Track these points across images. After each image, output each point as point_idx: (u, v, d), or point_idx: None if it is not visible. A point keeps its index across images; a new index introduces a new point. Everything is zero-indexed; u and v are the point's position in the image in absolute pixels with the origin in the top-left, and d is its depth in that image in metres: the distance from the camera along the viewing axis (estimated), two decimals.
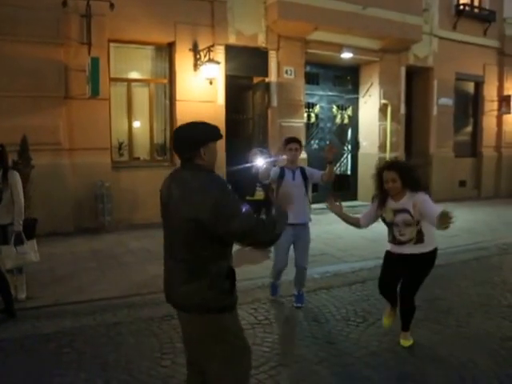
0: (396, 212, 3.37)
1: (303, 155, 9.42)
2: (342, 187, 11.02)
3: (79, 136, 7.39)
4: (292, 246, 4.30)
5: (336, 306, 4.38)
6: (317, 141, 10.67)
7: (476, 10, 12.12)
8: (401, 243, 3.44)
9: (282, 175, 4.27)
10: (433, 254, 3.45)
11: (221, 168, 8.39)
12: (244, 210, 2.00)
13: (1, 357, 3.33)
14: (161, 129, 8.63)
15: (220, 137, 2.16)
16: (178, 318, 2.25)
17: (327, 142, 10.79)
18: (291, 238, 4.17)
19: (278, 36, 8.99)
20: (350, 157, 11.24)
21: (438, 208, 3.02)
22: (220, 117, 8.45)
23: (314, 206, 9.30)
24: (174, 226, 2.07)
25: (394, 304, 3.67)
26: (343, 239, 7.15)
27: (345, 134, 11.26)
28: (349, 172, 11.27)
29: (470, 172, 12.66)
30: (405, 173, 3.36)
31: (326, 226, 7.73)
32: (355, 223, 3.70)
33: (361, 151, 11.08)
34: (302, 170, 4.34)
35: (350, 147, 11.26)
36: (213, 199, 1.92)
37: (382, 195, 3.44)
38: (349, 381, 3.03)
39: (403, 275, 3.47)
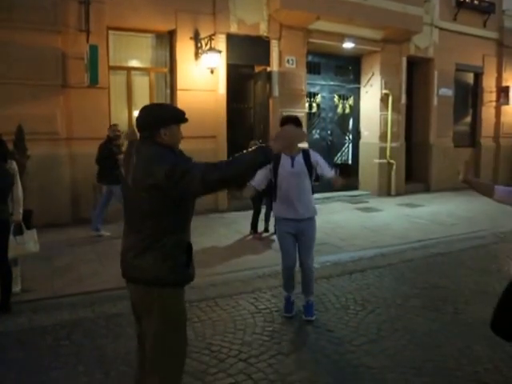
0: None
1: (304, 145, 9.48)
2: (343, 177, 11.06)
3: (77, 125, 7.31)
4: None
5: (336, 294, 4.46)
6: (318, 130, 10.70)
7: (476, 2, 12.09)
8: None
9: (277, 161, 3.65)
10: None
11: (222, 157, 8.44)
12: (194, 164, 1.97)
13: None
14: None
15: (184, 120, 2.18)
16: (126, 289, 2.20)
17: (329, 132, 10.83)
18: (293, 231, 3.71)
19: (279, 25, 8.96)
20: (351, 146, 11.28)
21: None
22: (221, 106, 8.47)
23: (315, 195, 9.34)
24: (133, 197, 2.08)
25: None
26: (344, 229, 7.22)
27: (346, 124, 11.29)
28: (350, 161, 11.32)
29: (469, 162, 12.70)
30: None
31: (326, 216, 7.79)
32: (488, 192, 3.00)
33: (362, 141, 11.12)
34: (306, 155, 3.68)
35: (351, 137, 11.30)
36: (169, 162, 1.94)
37: None
38: (348, 368, 3.09)
39: None
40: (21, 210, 4.14)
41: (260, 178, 3.64)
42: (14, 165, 4.12)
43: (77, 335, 3.54)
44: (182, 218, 2.09)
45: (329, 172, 3.77)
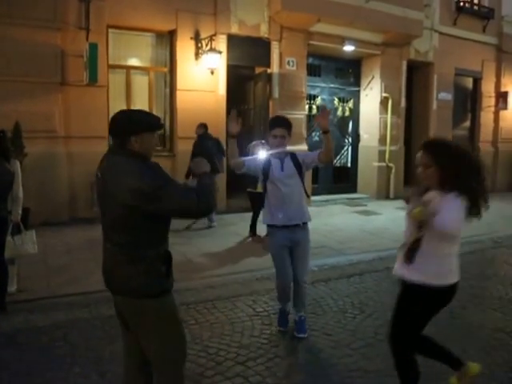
0: None
1: (304, 147, 9.49)
2: (342, 179, 11.12)
3: (75, 124, 7.28)
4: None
5: (333, 298, 4.47)
6: (318, 133, 10.69)
7: (475, 7, 12.17)
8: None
9: (267, 166, 3.46)
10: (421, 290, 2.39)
11: None
12: (177, 186, 2.00)
13: None
14: (160, 118, 8.62)
15: (158, 128, 2.13)
16: (114, 303, 2.22)
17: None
18: (288, 242, 3.46)
19: (280, 27, 8.98)
20: (350, 149, 11.31)
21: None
22: (221, 107, 8.47)
23: (314, 198, 9.45)
24: (110, 211, 2.04)
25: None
26: (342, 232, 7.23)
27: (346, 127, 11.32)
28: (349, 164, 11.35)
29: None
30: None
31: (325, 219, 7.81)
32: None
33: (361, 144, 11.14)
34: (293, 157, 3.50)
35: (350, 140, 11.31)
36: (142, 180, 1.90)
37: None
38: (345, 372, 3.09)
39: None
40: (20, 210, 4.10)
41: (250, 164, 3.48)
42: (17, 164, 4.10)
43: (73, 336, 3.52)
44: (160, 230, 2.07)
45: (314, 154, 3.48)
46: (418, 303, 2.47)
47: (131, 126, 2.03)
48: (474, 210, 2.38)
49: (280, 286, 3.57)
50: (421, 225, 2.31)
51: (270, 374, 3.04)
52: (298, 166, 3.46)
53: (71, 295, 4.28)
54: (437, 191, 2.36)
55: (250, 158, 3.57)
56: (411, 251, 2.40)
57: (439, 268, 2.41)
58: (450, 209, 2.25)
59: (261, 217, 6.95)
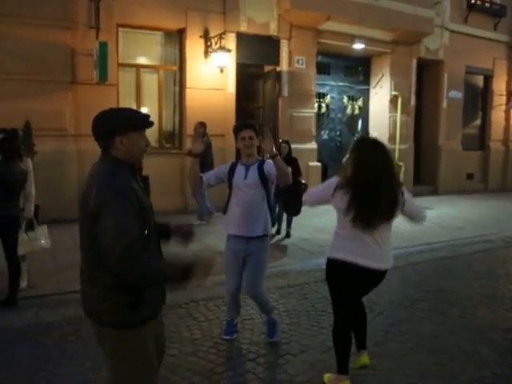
0: None
1: (313, 146, 9.49)
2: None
3: (85, 122, 7.15)
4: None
5: None
6: (327, 131, 10.71)
7: (487, 5, 12.07)
8: None
9: (231, 172, 3.24)
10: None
11: (230, 156, 8.44)
12: (121, 218, 1.65)
13: (3, 346, 3.31)
14: (170, 116, 8.65)
15: (146, 126, 1.84)
16: None
17: (337, 133, 10.81)
18: (242, 252, 3.25)
19: (290, 25, 8.97)
20: None
21: None
22: (230, 105, 8.49)
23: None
24: (79, 223, 1.84)
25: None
26: None
27: (355, 125, 11.27)
28: None
29: (477, 165, 12.68)
30: None
31: (334, 217, 7.77)
32: None
33: None
34: (260, 166, 3.19)
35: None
36: (96, 193, 1.67)
37: None
38: (356, 370, 3.08)
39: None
40: (32, 207, 4.19)
41: (212, 176, 3.30)
42: (29, 162, 4.18)
43: (83, 331, 3.52)
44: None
45: (275, 173, 3.14)
46: None
47: (115, 125, 1.76)
48: None
49: (228, 294, 3.43)
50: None
51: (281, 371, 3.05)
52: (263, 177, 3.16)
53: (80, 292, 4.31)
54: None
55: (210, 172, 3.36)
56: None
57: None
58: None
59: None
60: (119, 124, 1.77)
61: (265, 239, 3.29)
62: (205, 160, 6.81)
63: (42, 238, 4.27)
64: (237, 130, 3.24)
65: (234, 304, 3.43)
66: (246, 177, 3.18)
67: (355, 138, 2.87)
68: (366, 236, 2.66)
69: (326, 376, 2.90)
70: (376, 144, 2.70)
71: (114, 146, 1.76)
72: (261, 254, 3.26)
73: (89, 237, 1.75)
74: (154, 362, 1.90)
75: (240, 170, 3.22)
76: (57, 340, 3.43)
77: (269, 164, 3.16)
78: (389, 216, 2.68)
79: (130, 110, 1.93)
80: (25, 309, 3.92)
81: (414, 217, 2.88)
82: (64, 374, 2.97)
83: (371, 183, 2.56)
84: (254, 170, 3.18)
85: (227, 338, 3.45)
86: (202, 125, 7.29)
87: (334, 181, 2.74)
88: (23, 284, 4.29)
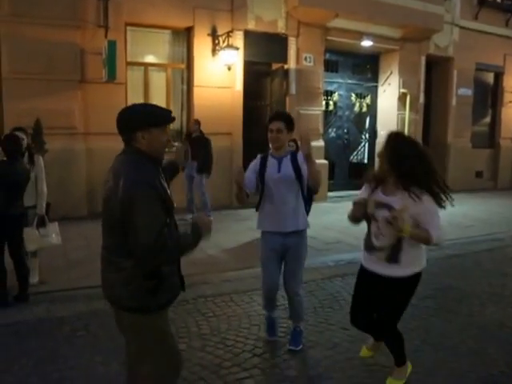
0: (379, 205, 2.58)
1: (320, 143, 9.47)
2: (359, 176, 11.04)
3: (94, 120, 7.38)
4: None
5: (350, 293, 4.37)
6: (334, 129, 10.68)
7: (498, 0, 11.93)
8: (372, 249, 2.68)
9: (263, 167, 3.11)
10: (412, 280, 2.65)
11: (238, 154, 8.48)
12: (151, 213, 1.74)
13: (16, 339, 3.38)
14: (177, 114, 8.66)
15: (167, 122, 1.93)
16: None
17: (345, 131, 10.78)
18: (280, 247, 3.16)
19: (297, 22, 8.96)
20: (367, 145, 11.23)
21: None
22: (237, 103, 8.51)
23: (330, 194, 9.41)
24: (103, 211, 1.90)
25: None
26: (358, 228, 7.15)
27: (363, 123, 11.24)
28: (365, 160, 11.27)
29: (486, 163, 12.56)
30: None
31: (340, 215, 7.73)
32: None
33: (378, 140, 11.03)
34: (293, 158, 3.08)
35: (367, 136, 11.24)
36: (127, 192, 1.72)
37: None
38: (362, 366, 3.10)
39: (377, 301, 2.74)
40: (44, 204, 4.26)
41: (252, 184, 3.16)
42: (40, 160, 4.24)
43: (93, 326, 3.60)
44: None
45: (306, 172, 3.05)
46: (407, 292, 2.68)
47: (137, 120, 1.85)
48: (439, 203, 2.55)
49: (264, 292, 3.31)
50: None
51: (288, 367, 3.06)
52: (297, 168, 3.04)
53: (90, 287, 4.32)
54: (394, 187, 2.53)
55: (247, 180, 3.08)
56: (395, 252, 2.57)
57: (419, 259, 2.67)
58: (436, 220, 2.51)
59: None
60: (141, 119, 1.85)
61: (303, 234, 3.19)
62: (198, 155, 6.86)
63: (53, 234, 4.34)
64: (269, 119, 3.12)
65: (271, 301, 3.32)
66: (279, 170, 3.06)
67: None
68: None
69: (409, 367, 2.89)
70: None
71: (135, 139, 1.85)
72: (300, 249, 3.17)
73: (114, 224, 1.81)
74: (175, 346, 2.03)
75: (272, 163, 3.08)
76: (67, 334, 3.49)
77: (302, 156, 3.04)
78: None
79: (153, 105, 1.98)
80: (36, 304, 4.00)
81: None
82: (74, 367, 3.02)
83: None
84: (287, 163, 3.06)
85: (271, 339, 3.37)
86: (196, 122, 7.34)
87: None
88: (35, 280, 4.38)
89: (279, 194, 3.10)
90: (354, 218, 2.77)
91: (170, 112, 1.96)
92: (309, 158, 2.90)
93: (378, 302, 2.71)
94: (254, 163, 3.17)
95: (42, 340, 3.38)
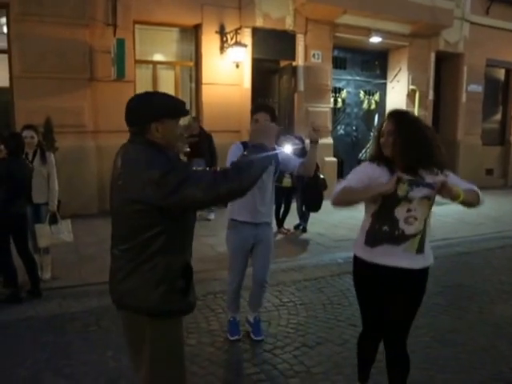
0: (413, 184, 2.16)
1: (329, 141, 9.45)
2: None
3: (104, 118, 7.43)
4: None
5: None
6: (343, 126, 10.64)
7: None
8: (400, 239, 2.21)
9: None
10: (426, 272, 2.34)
11: None
12: (194, 172, 1.67)
13: (29, 334, 3.43)
14: (186, 102, 8.69)
15: (182, 114, 1.79)
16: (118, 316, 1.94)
17: (354, 128, 10.73)
18: (251, 239, 3.17)
19: (305, 19, 8.93)
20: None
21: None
22: (246, 100, 8.51)
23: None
24: (118, 210, 1.72)
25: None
26: None
27: (372, 120, 11.17)
28: None
29: (497, 160, 12.44)
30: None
31: (349, 212, 7.72)
32: None
33: None
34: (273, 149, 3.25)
35: (376, 133, 11.16)
36: (159, 169, 1.57)
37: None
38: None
39: (390, 307, 2.36)
40: (56, 201, 4.31)
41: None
42: (51, 157, 4.29)
43: (105, 322, 3.64)
44: (177, 234, 1.72)
45: (296, 160, 3.13)
46: (425, 286, 2.38)
47: (152, 110, 1.69)
48: None
49: (232, 289, 3.28)
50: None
51: (297, 363, 3.07)
52: (276, 163, 3.05)
53: (101, 283, 4.35)
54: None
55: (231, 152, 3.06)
56: (422, 240, 2.25)
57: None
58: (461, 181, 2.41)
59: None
60: (156, 109, 1.70)
61: (271, 226, 3.31)
62: (199, 152, 6.79)
63: (64, 231, 4.40)
64: (253, 111, 3.14)
65: (236, 300, 3.34)
66: None
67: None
68: None
69: None
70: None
71: (149, 131, 1.69)
72: (270, 240, 3.26)
73: (143, 221, 1.65)
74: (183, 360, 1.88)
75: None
76: (79, 329, 3.53)
77: (284, 153, 3.16)
78: None
79: (166, 94, 1.80)
80: (49, 299, 4.06)
81: None
82: (86, 362, 3.06)
83: None
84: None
85: (235, 338, 3.33)
86: (195, 119, 7.39)
87: None
88: (47, 276, 4.46)
89: (259, 185, 3.03)
90: (353, 203, 2.32)
91: (184, 103, 1.83)
92: (314, 144, 2.97)
93: (391, 309, 2.34)
94: (238, 148, 3.04)
95: (54, 335, 3.43)
